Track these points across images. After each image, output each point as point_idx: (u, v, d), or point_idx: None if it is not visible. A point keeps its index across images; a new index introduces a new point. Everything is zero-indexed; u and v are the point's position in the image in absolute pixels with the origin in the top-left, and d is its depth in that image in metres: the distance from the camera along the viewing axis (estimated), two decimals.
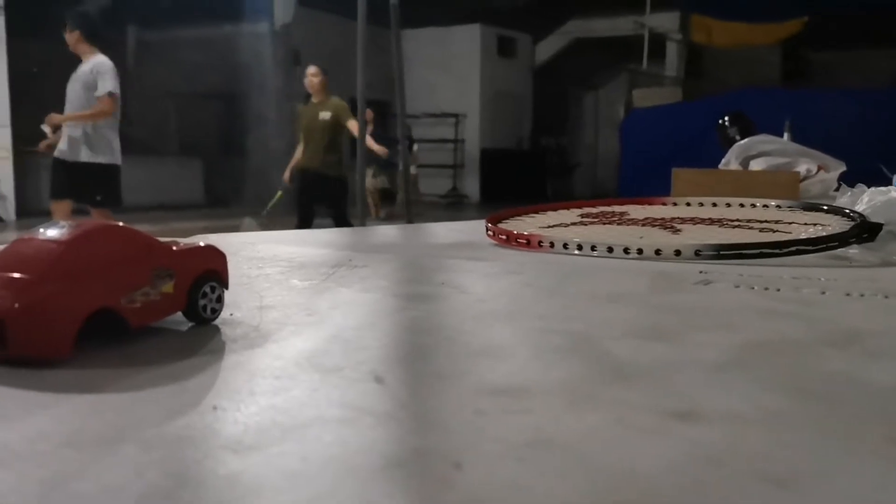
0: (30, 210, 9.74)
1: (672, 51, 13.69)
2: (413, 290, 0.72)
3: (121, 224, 0.48)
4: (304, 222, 5.31)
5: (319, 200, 5.41)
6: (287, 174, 5.55)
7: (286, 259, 0.86)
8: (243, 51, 13.15)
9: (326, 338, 0.52)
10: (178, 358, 0.45)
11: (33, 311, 0.41)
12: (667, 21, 13.28)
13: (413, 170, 11.29)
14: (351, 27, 4.94)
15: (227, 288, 0.54)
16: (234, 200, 13.05)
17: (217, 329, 0.52)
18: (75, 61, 4.74)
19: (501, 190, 14.08)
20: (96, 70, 4.51)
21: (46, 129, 4.57)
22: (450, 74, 14.48)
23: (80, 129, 4.52)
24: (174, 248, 0.50)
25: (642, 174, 8.29)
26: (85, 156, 4.54)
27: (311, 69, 5.25)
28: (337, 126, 5.20)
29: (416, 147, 11.39)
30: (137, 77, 12.05)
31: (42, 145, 4.74)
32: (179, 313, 0.51)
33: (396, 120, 5.44)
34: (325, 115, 5.15)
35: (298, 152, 5.43)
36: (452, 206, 11.58)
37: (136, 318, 0.46)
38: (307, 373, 0.43)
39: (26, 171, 9.87)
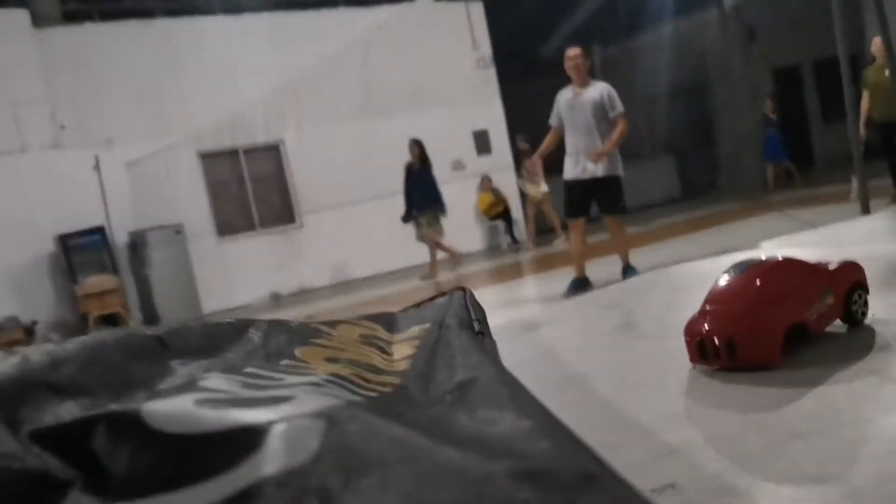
0: (539, 229, 10.90)
1: None
2: None
3: (791, 257, 0.62)
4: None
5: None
6: (862, 130, 6.37)
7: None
8: (697, 41, 13.12)
9: None
10: (860, 355, 0.57)
11: (753, 330, 0.57)
12: None
13: None
14: None
15: (868, 293, 0.65)
16: (709, 190, 13.00)
17: (870, 329, 0.63)
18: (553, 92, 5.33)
19: None
20: (606, 94, 5.19)
21: (590, 165, 5.22)
22: None
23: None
24: (829, 268, 0.63)
25: None
26: (608, 170, 5.22)
27: None
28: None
29: None
30: None
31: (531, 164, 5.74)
32: (837, 319, 0.63)
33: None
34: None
35: (864, 107, 6.64)
36: None
37: (815, 328, 0.61)
38: None
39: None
